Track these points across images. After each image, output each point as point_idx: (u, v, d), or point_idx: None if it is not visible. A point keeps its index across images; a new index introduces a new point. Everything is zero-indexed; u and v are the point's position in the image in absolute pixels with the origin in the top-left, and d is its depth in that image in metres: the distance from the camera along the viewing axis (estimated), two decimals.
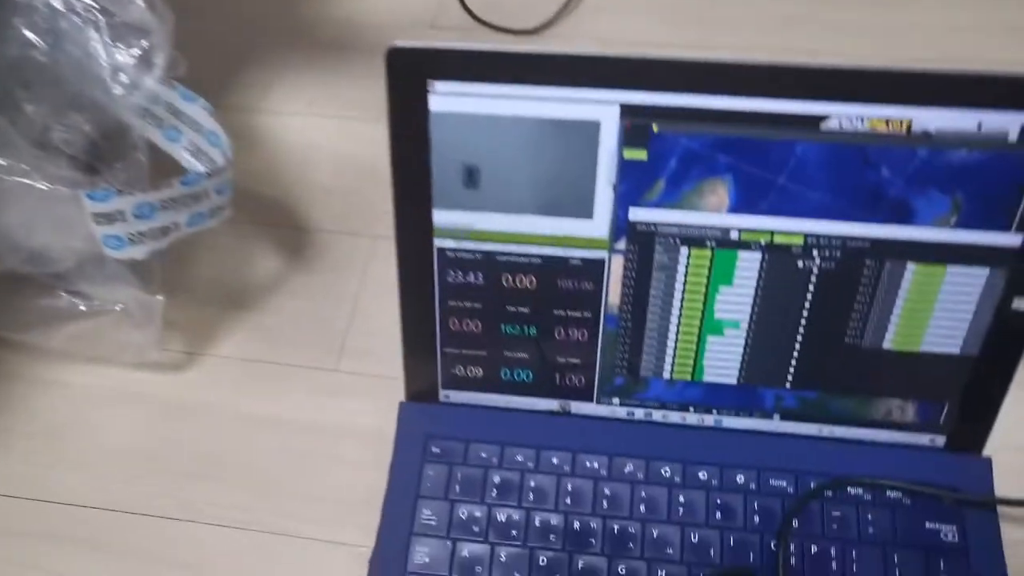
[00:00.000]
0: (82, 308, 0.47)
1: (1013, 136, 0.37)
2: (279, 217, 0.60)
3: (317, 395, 0.52)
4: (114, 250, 0.42)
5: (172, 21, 0.44)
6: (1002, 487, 0.45)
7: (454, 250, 0.44)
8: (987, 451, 0.46)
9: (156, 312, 0.47)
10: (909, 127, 0.37)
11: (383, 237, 0.58)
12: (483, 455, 0.47)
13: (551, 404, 0.48)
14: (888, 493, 0.45)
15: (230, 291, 0.56)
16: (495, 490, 0.46)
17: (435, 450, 0.47)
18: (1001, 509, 0.44)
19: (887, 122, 0.37)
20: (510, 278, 0.44)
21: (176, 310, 0.54)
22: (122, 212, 0.40)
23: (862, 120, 0.37)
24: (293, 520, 0.48)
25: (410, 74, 0.40)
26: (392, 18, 0.70)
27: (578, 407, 0.48)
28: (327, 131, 0.64)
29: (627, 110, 0.39)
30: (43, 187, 0.39)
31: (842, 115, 0.37)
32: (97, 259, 0.44)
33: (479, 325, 0.46)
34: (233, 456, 0.50)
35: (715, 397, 0.46)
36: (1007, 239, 0.39)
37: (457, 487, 0.46)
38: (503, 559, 0.44)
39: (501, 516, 0.45)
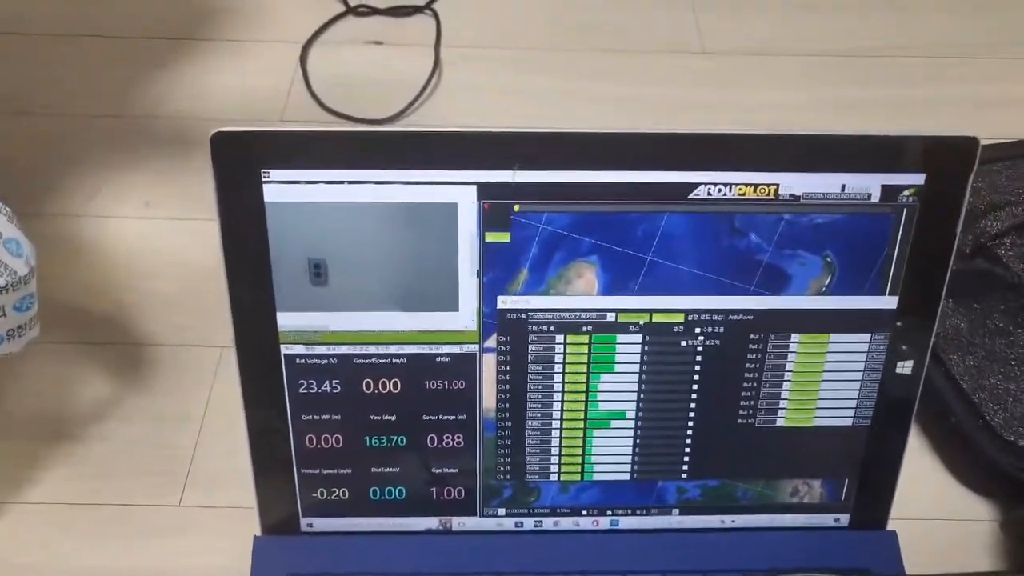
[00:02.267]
0: None
1: (876, 196, 0.36)
2: (109, 334, 0.53)
3: (157, 537, 0.45)
4: None
5: None
6: (909, 561, 0.42)
7: (304, 356, 0.38)
8: (891, 525, 0.43)
9: None
10: (776, 192, 0.36)
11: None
12: None
13: (430, 522, 0.42)
14: None
15: (47, 424, 0.48)
16: None
17: None
18: None
19: (755, 187, 0.35)
20: (371, 383, 0.39)
21: None
22: None
23: (730, 188, 0.36)
24: None
25: (241, 162, 0.35)
26: (235, 112, 0.66)
27: (460, 523, 0.42)
28: (166, 234, 0.58)
29: (485, 190, 0.36)
30: None
31: (710, 183, 0.35)
32: None
33: (340, 440, 0.40)
34: None
35: (608, 497, 0.42)
36: (883, 302, 0.38)
37: None
38: None
39: None
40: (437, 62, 0.70)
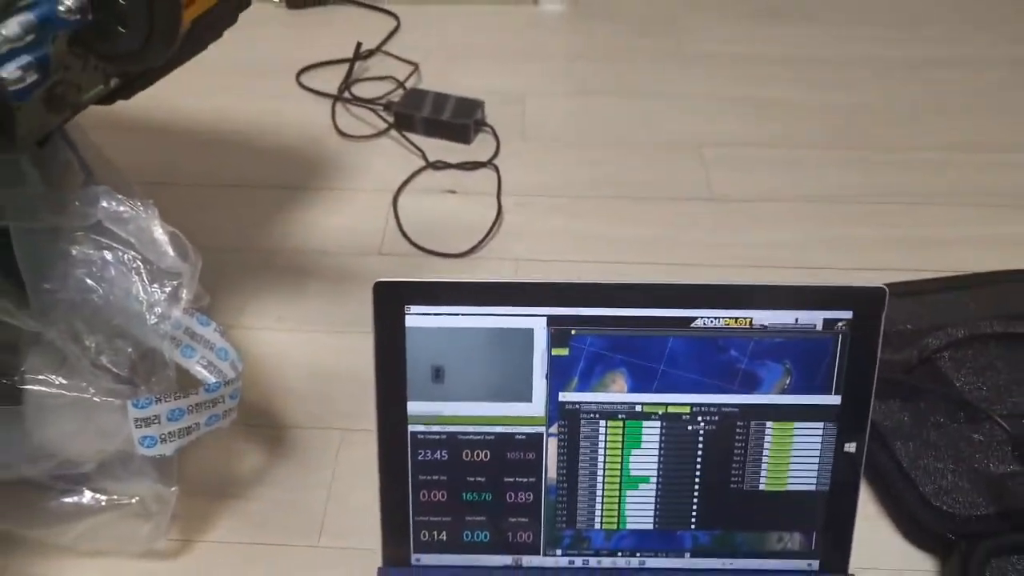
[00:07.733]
0: (103, 503, 0.55)
1: (819, 326, 0.53)
2: (259, 417, 0.70)
3: (301, 570, 0.60)
4: (148, 448, 0.51)
5: (199, 264, 0.56)
6: None
7: (424, 433, 0.55)
8: (852, 569, 0.58)
9: (170, 503, 0.55)
10: (751, 322, 0.53)
11: (350, 430, 0.68)
12: None
13: (505, 559, 0.58)
14: None
15: (219, 482, 0.65)
16: None
17: None
18: None
19: (736, 319, 0.52)
20: (468, 453, 0.55)
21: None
22: (158, 416, 0.50)
23: (719, 319, 0.52)
24: None
25: (391, 301, 0.53)
26: (342, 246, 0.85)
27: (528, 560, 0.58)
28: (294, 343, 0.75)
29: (553, 320, 0.53)
30: (96, 400, 0.48)
31: (705, 316, 0.52)
32: (123, 458, 0.53)
33: (445, 495, 0.56)
34: None
35: (637, 542, 0.57)
36: (831, 399, 0.54)
37: None
38: None
39: None
40: (499, 208, 0.89)
